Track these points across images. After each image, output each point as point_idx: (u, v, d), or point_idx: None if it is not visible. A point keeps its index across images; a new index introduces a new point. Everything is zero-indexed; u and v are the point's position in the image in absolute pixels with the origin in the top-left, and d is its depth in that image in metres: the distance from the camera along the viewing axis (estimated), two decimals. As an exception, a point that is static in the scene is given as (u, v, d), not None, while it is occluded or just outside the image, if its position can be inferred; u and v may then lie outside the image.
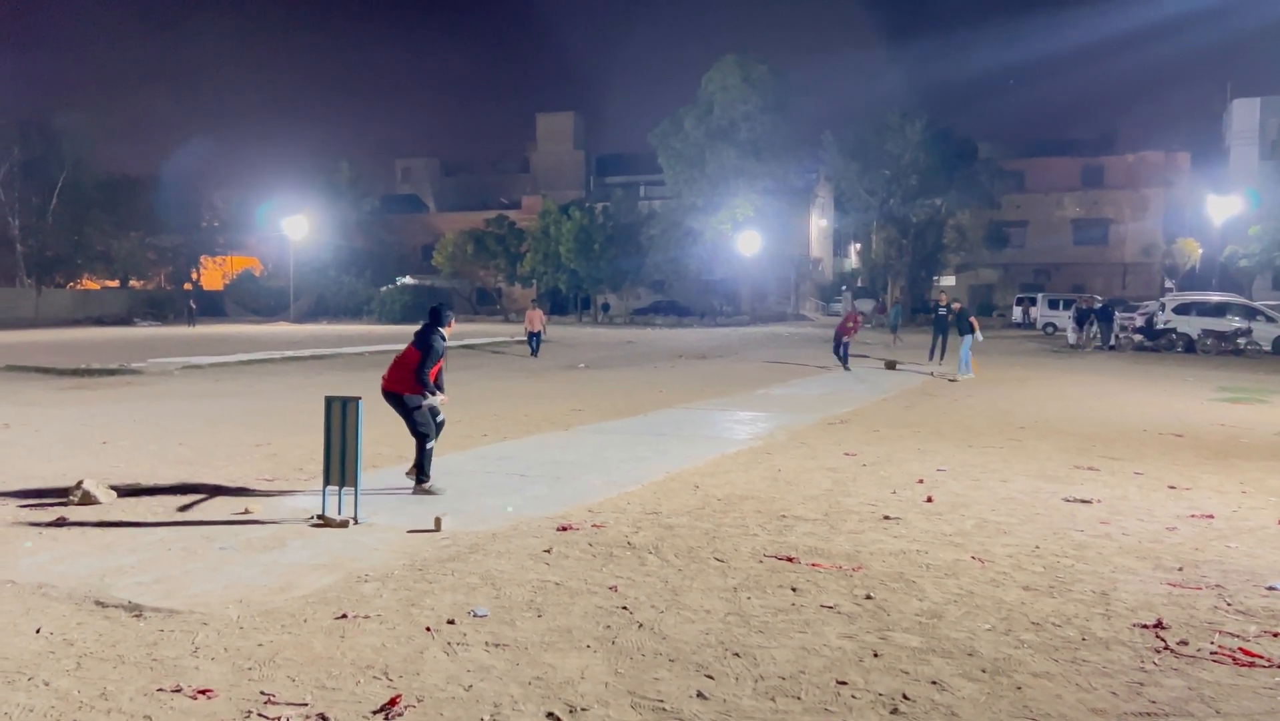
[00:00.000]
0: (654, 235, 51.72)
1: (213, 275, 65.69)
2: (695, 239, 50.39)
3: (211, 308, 56.16)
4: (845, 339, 21.14)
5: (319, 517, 6.63)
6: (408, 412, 7.70)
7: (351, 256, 59.59)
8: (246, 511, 6.99)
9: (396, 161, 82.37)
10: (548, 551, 5.93)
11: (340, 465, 6.56)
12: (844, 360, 20.99)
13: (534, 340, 24.72)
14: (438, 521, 6.49)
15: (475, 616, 4.72)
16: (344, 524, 6.53)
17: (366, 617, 4.69)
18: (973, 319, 19.94)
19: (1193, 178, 56.84)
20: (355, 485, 6.59)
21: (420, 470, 7.75)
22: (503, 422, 12.02)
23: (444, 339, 7.89)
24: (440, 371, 7.94)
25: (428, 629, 4.54)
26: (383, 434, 10.17)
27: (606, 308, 56.10)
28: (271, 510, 7.06)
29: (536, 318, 25.09)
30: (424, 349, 7.69)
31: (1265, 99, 54.70)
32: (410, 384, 7.66)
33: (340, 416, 6.55)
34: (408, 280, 57.78)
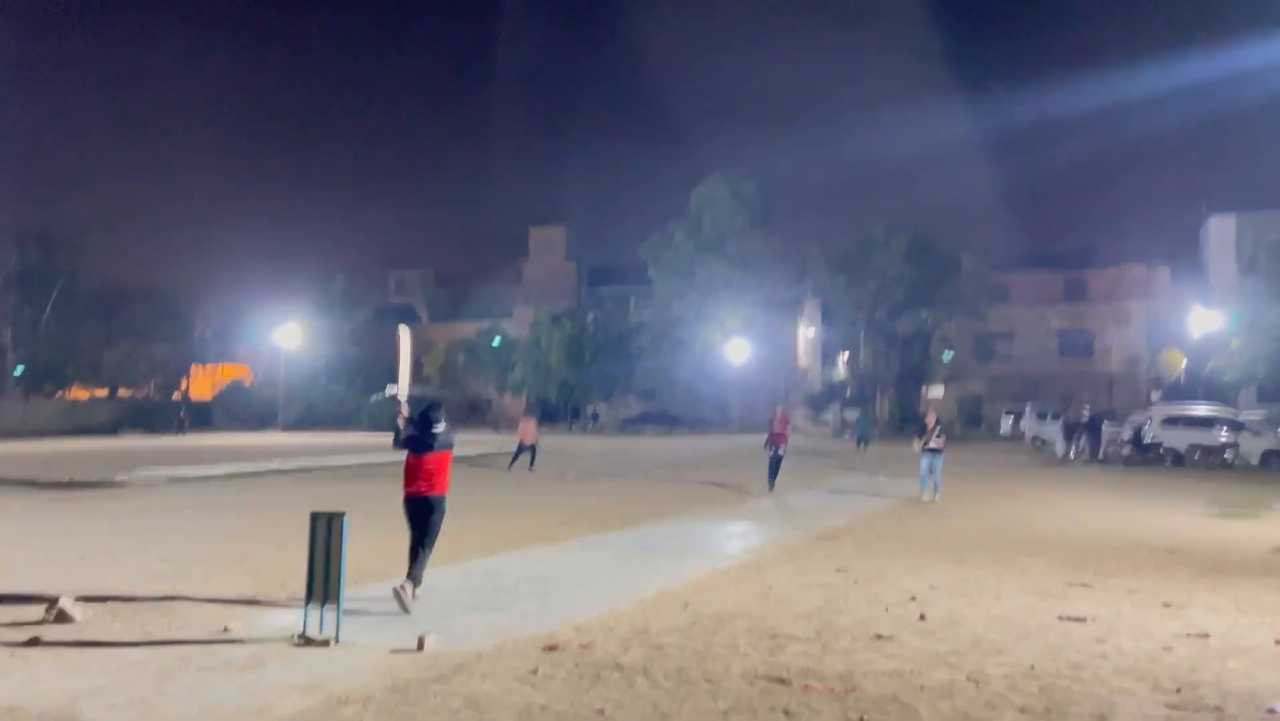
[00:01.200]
0: (644, 345, 52.19)
1: (202, 384, 65.62)
2: (685, 349, 50.85)
3: (200, 417, 55.92)
4: (779, 449, 17.82)
5: (300, 636, 6.49)
6: (439, 515, 8.02)
7: (342, 365, 59.73)
8: (225, 630, 6.83)
9: (391, 272, 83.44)
10: (533, 672, 5.80)
11: (324, 581, 6.46)
12: (772, 474, 17.72)
13: (524, 452, 23.49)
14: (421, 641, 6.35)
15: (458, 742, 4.58)
16: (325, 642, 6.39)
17: (345, 744, 4.55)
18: (930, 425, 17.20)
19: (1173, 290, 57.89)
20: (338, 602, 6.47)
21: (419, 578, 7.78)
22: (490, 536, 11.87)
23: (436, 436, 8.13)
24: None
25: (408, 756, 4.40)
26: (368, 549, 10.03)
27: (596, 417, 56.09)
28: (251, 628, 6.90)
29: (530, 429, 24.03)
30: (451, 445, 8.17)
31: (1241, 215, 56.24)
32: (446, 485, 8.07)
33: (325, 531, 6.48)
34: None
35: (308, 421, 53.98)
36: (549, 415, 57.74)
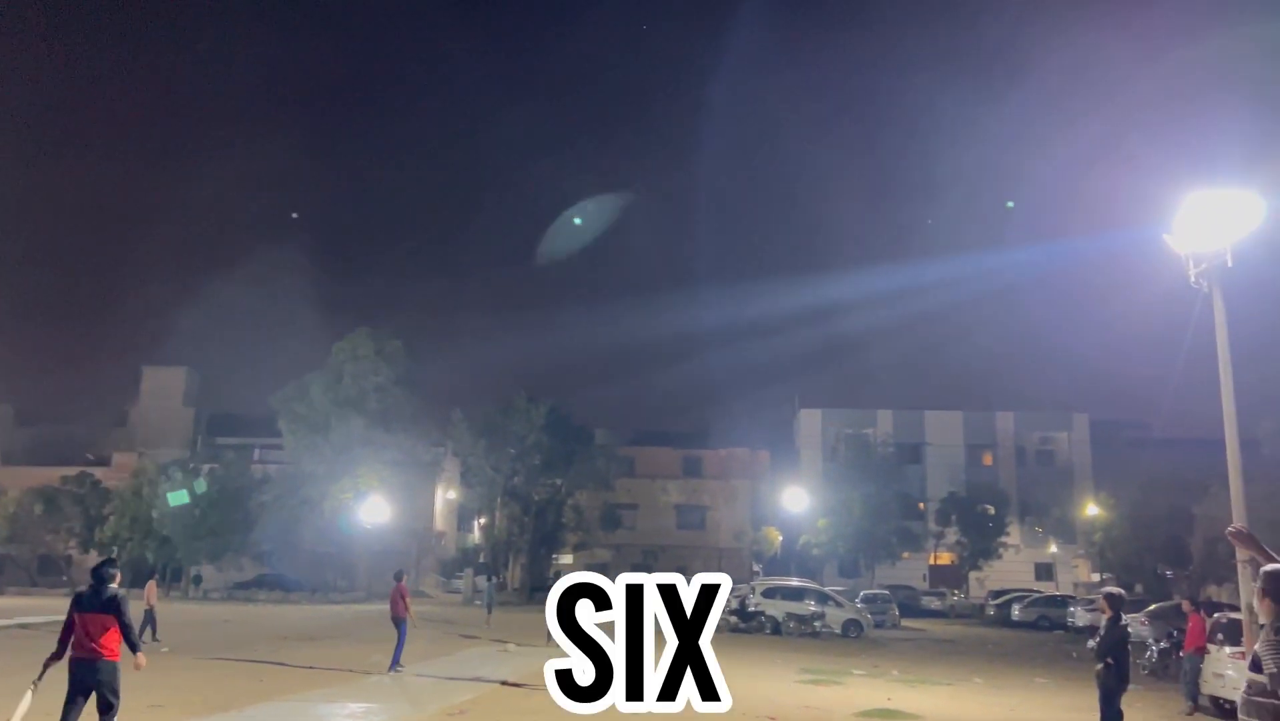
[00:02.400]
0: (266, 502, 48.44)
1: None
2: (313, 508, 47.86)
3: None
4: (402, 620, 16.52)
5: None
6: (116, 680, 7.84)
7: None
8: None
9: (-44, 405, 71.17)
10: None
11: None
12: (397, 652, 16.20)
13: (147, 617, 21.29)
14: None
15: None
16: None
17: None
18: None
19: (772, 472, 64.90)
20: None
21: None
22: (56, 725, 10.01)
23: (101, 593, 8.05)
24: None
25: None
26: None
27: (198, 580, 50.29)
28: None
29: (152, 591, 22.08)
30: (119, 610, 7.90)
31: (825, 411, 65.12)
32: (118, 650, 7.79)
33: None
34: (-52, 543, 48.40)
35: None
36: (142, 578, 51.08)
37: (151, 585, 22.90)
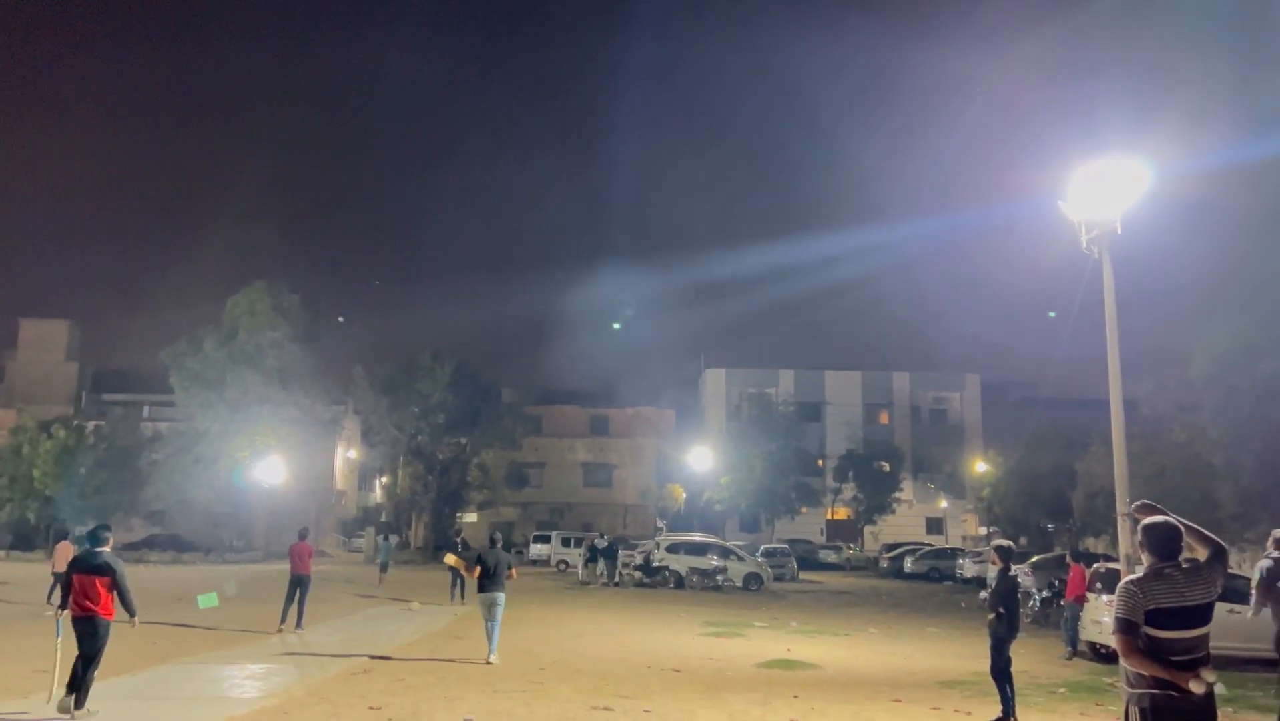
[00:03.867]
0: (158, 460, 46.68)
1: None
2: (207, 466, 46.34)
3: None
4: (306, 578, 16.05)
5: None
6: (103, 635, 8.70)
7: None
8: None
9: None
10: None
11: None
12: (290, 605, 15.90)
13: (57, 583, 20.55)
14: None
15: None
16: None
17: None
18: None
19: (678, 430, 65.65)
20: None
21: (84, 691, 8.45)
22: (-67, 693, 9.56)
23: (106, 554, 8.93)
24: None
25: None
26: None
27: (60, 538, 48.22)
28: None
29: (66, 553, 21.23)
30: (115, 571, 8.75)
31: (730, 370, 66.02)
32: (106, 607, 8.68)
33: None
34: None
35: None
36: (24, 539, 48.80)
37: (64, 546, 22.00)
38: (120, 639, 14.64)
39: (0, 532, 49.83)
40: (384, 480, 63.67)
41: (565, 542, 43.37)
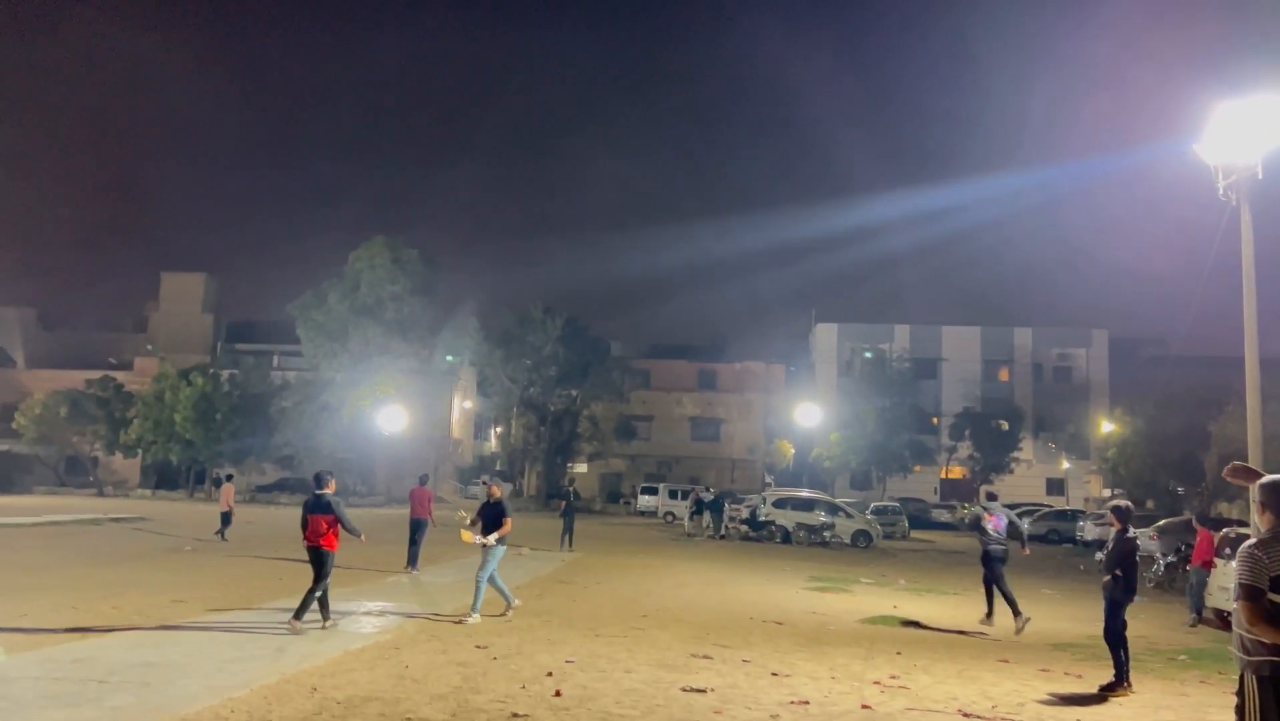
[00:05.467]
0: (286, 408, 49.06)
1: None
2: (332, 414, 48.46)
3: None
4: (424, 522, 17.14)
5: None
6: (329, 563, 10.32)
7: (-99, 413, 50.08)
8: None
9: (-20, 308, 71.93)
10: (126, 777, 5.07)
11: None
12: (414, 551, 17.04)
13: (224, 519, 22.74)
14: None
15: None
16: None
17: None
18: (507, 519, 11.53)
19: (787, 386, 65.10)
20: None
21: (304, 608, 9.99)
22: (84, 616, 10.37)
23: (329, 495, 10.48)
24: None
25: None
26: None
27: (219, 482, 51.36)
28: None
29: (229, 494, 23.57)
30: (325, 509, 10.32)
31: (841, 326, 64.87)
32: (334, 542, 10.40)
33: None
34: (-23, 443, 49.42)
35: None
36: (168, 480, 52.14)
37: (228, 488, 23.86)
38: (252, 576, 15.58)
39: (145, 473, 53.42)
40: (498, 430, 65.31)
41: (672, 494, 43.75)
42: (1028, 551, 15.52)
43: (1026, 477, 56.53)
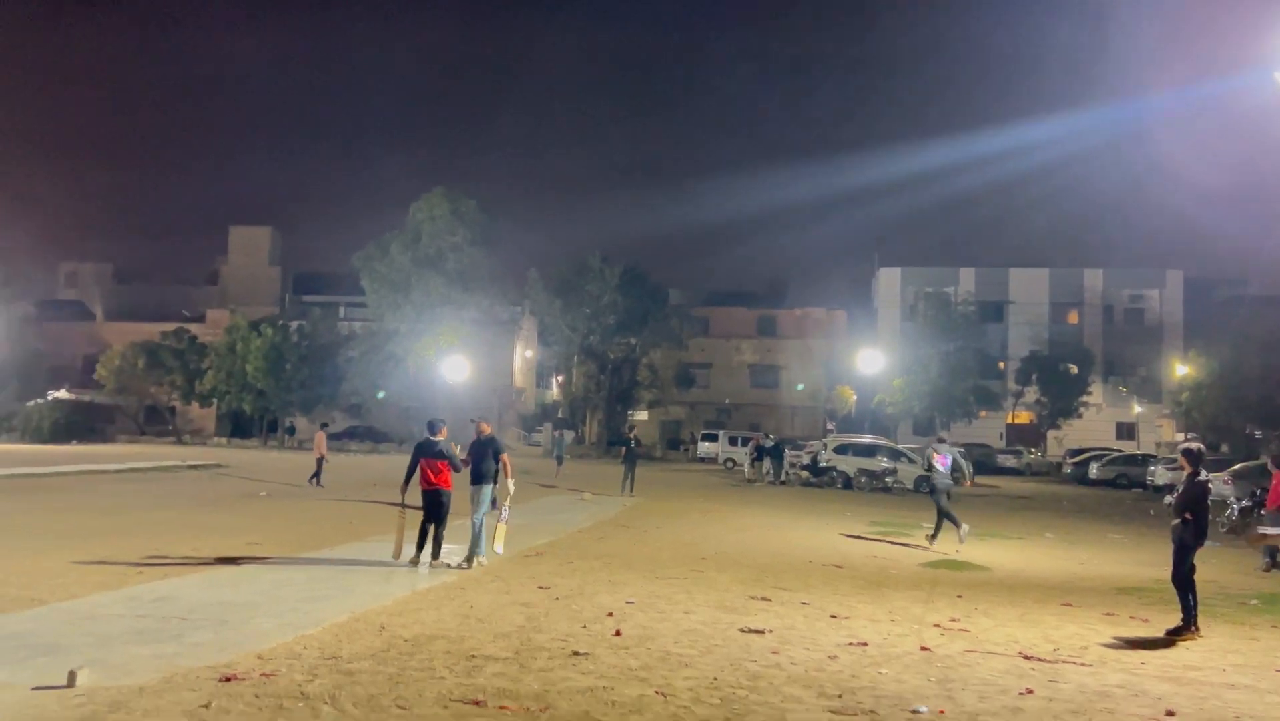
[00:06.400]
0: (353, 358, 50.12)
1: None
2: (398, 364, 49.38)
3: None
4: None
5: (-86, 678, 5.55)
6: (446, 503, 11.01)
7: (-6, 364, 52.27)
8: None
9: (61, 264, 74.45)
10: (205, 706, 5.33)
11: (-51, 613, 5.56)
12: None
13: (319, 465, 23.62)
14: (72, 676, 5.64)
15: (109, 790, 4.10)
16: (-53, 684, 5.50)
17: (-35, 801, 3.92)
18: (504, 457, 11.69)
19: (848, 332, 64.36)
20: (-33, 636, 5.61)
21: (438, 546, 10.97)
22: (165, 558, 10.82)
23: (441, 441, 11.06)
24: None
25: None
26: (11, 573, 8.81)
27: (292, 430, 52.89)
28: None
29: (322, 441, 24.55)
30: (436, 455, 10.95)
31: (905, 269, 63.69)
32: (450, 482, 11.06)
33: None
34: (62, 394, 51.42)
35: (-59, 429, 46.66)
36: (242, 428, 53.79)
37: (321, 436, 24.93)
38: (324, 520, 16.07)
39: (220, 422, 55.18)
40: (559, 378, 65.91)
41: (732, 441, 43.83)
42: (970, 484, 20.27)
43: (1096, 422, 55.33)
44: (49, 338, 58.63)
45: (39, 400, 49.42)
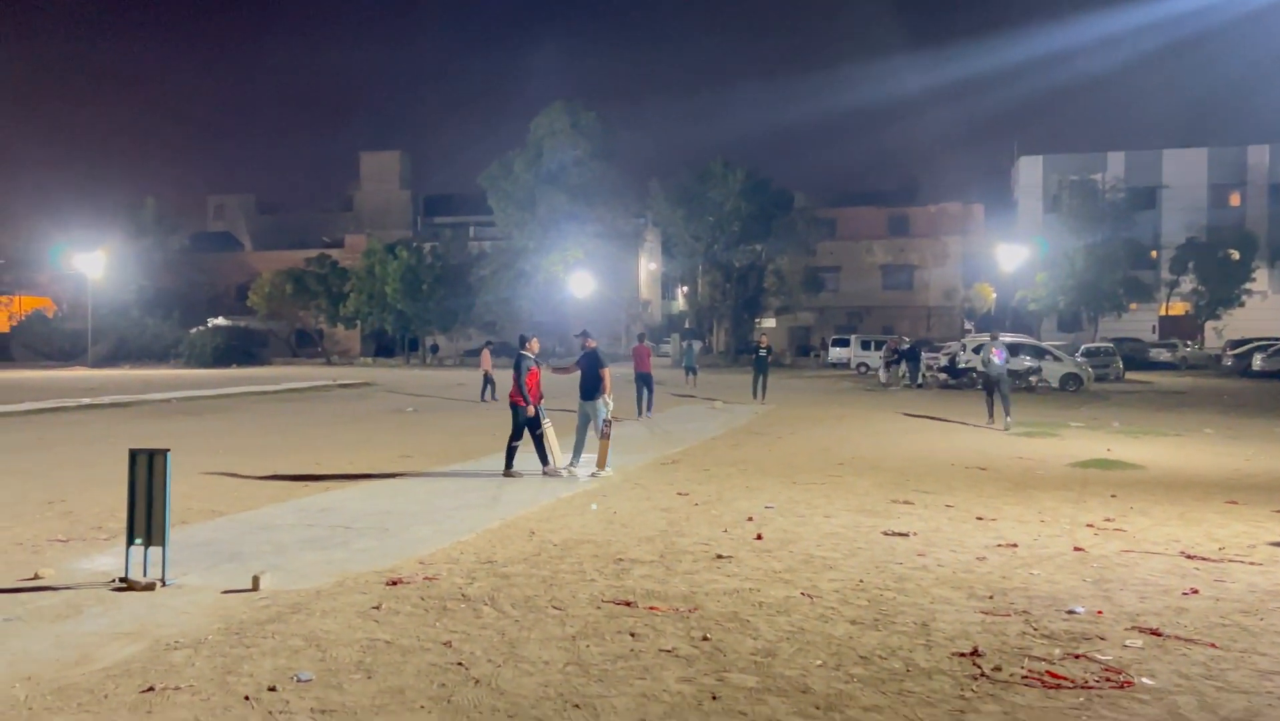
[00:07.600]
0: (484, 276, 51.34)
1: (-3, 316, 60.11)
2: (527, 280, 50.33)
3: (-6, 351, 51.36)
4: (648, 375, 19.91)
5: (121, 580, 6.11)
6: (515, 417, 11.10)
7: (157, 297, 55.99)
8: (36, 576, 6.36)
9: (209, 198, 78.50)
10: (376, 608, 5.68)
11: (146, 522, 6.07)
12: (649, 402, 19.49)
13: (489, 382, 24.43)
14: (255, 580, 6.11)
15: (299, 681, 4.45)
16: (150, 586, 6.04)
17: (177, 689, 4.33)
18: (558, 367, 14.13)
19: (986, 227, 61.68)
20: (163, 543, 6.11)
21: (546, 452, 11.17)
22: (325, 472, 11.51)
23: (530, 356, 11.18)
24: (538, 383, 11.22)
25: (246, 697, 4.24)
26: (191, 488, 9.54)
27: (435, 349, 55.00)
28: (66, 574, 6.45)
29: (487, 358, 25.31)
30: (515, 368, 11.12)
31: (1047, 157, 60.22)
32: (517, 397, 11.09)
33: (146, 470, 6.07)
34: (220, 321, 54.76)
35: (119, 356, 50.51)
36: (385, 348, 56.18)
37: (486, 353, 25.83)
38: (468, 433, 16.69)
39: (365, 342, 57.81)
40: (684, 289, 65.86)
41: (864, 345, 43.01)
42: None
43: (1261, 310, 51.70)
44: (204, 268, 62.29)
45: (200, 327, 52.78)
